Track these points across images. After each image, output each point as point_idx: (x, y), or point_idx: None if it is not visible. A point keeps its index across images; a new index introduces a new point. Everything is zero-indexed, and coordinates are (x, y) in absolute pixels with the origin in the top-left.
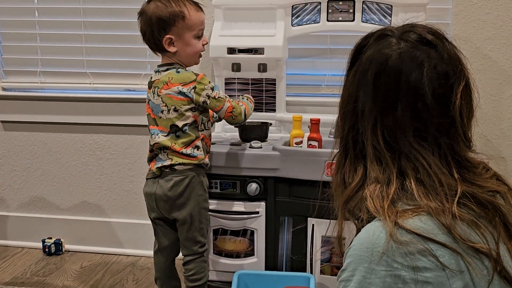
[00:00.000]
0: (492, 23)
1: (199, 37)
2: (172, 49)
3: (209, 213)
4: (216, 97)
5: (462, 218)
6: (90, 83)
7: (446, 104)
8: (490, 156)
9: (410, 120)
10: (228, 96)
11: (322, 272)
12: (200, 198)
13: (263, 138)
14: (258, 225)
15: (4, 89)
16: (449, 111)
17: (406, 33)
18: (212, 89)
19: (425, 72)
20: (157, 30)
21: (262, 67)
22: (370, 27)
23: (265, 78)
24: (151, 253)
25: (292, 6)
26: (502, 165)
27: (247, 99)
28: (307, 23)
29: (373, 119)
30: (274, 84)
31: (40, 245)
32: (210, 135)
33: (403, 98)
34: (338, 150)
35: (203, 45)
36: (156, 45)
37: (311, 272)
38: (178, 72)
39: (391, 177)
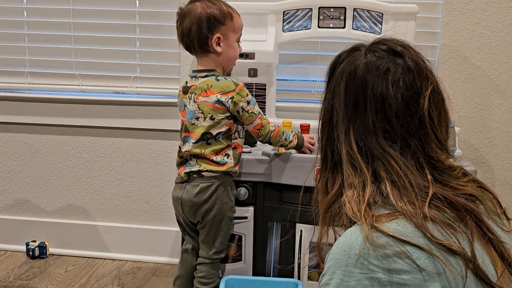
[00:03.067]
0: (480, 33)
1: (239, 42)
2: (218, 49)
3: None
4: (249, 112)
5: (433, 219)
6: (78, 85)
7: (413, 106)
8: (475, 163)
9: (379, 123)
10: (261, 113)
11: (309, 278)
12: (224, 206)
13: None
14: (246, 230)
15: None
16: (416, 113)
17: (375, 45)
18: (248, 102)
19: (390, 77)
20: (207, 28)
21: (253, 72)
22: (361, 34)
23: (255, 83)
24: (137, 257)
25: (284, 12)
26: (489, 173)
27: (293, 134)
28: (298, 29)
29: (346, 126)
30: (264, 89)
31: (24, 248)
32: (243, 143)
33: (371, 103)
34: (320, 162)
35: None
36: (200, 44)
37: (299, 278)
38: (218, 80)
39: (366, 181)
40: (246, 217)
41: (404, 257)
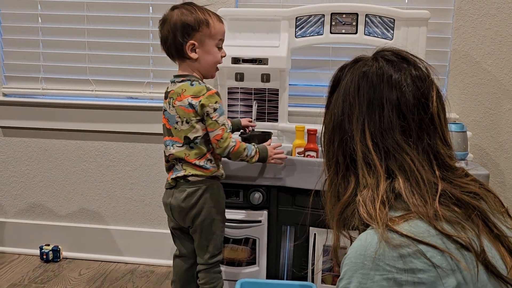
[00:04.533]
0: (491, 38)
1: (219, 48)
2: (193, 55)
3: None
4: (213, 119)
5: (444, 217)
6: (92, 90)
7: (425, 103)
8: (487, 168)
9: (396, 119)
10: (226, 126)
11: (323, 281)
12: (212, 210)
13: None
14: (260, 233)
15: (4, 94)
16: (428, 108)
17: (379, 52)
18: (215, 109)
19: (402, 77)
20: (181, 35)
21: (266, 77)
22: (373, 40)
23: (268, 88)
24: (150, 261)
25: (296, 18)
26: (500, 177)
27: (255, 150)
28: (311, 35)
29: (361, 124)
30: (277, 94)
31: (37, 252)
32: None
33: (388, 102)
34: (327, 173)
35: (222, 57)
36: (177, 51)
37: (313, 281)
38: (192, 84)
39: (379, 178)
40: (260, 221)
41: (420, 256)
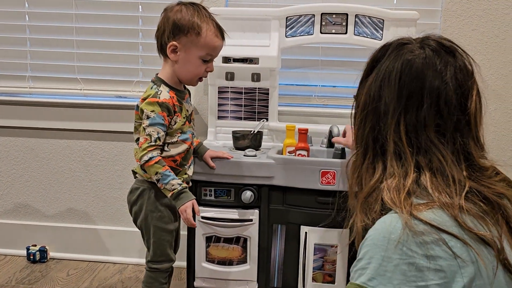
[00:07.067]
0: (478, 39)
1: (205, 61)
2: (173, 57)
3: (203, 220)
4: (143, 125)
5: (468, 212)
6: (80, 89)
7: (464, 103)
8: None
9: (433, 116)
10: (151, 137)
11: (314, 279)
12: (151, 214)
13: (257, 146)
14: (252, 232)
15: None
16: (467, 109)
17: (425, 40)
18: (148, 117)
19: (448, 74)
20: (168, 32)
21: (256, 77)
22: (362, 40)
23: (258, 88)
24: (139, 260)
25: (287, 18)
26: None
27: (179, 190)
28: (301, 34)
29: (397, 117)
30: (267, 93)
31: (24, 252)
32: (171, 156)
33: (428, 97)
34: (356, 151)
35: (207, 71)
36: (161, 46)
37: (303, 280)
38: (151, 88)
39: (408, 170)
40: (251, 220)
41: (442, 244)
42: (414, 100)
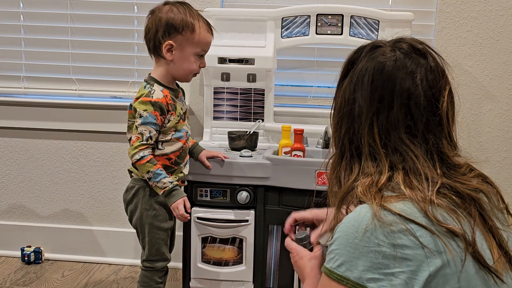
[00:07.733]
0: (472, 40)
1: (199, 56)
2: (169, 56)
3: (198, 221)
4: (136, 124)
5: (439, 205)
6: (75, 90)
7: (435, 104)
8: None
9: (403, 118)
10: (143, 136)
11: None
12: (146, 213)
13: (252, 147)
14: (247, 233)
15: None
16: (437, 110)
17: (398, 43)
18: (140, 116)
19: (418, 76)
20: (162, 32)
21: (252, 77)
22: (358, 41)
23: (254, 88)
24: (134, 261)
25: (282, 19)
26: None
27: (170, 188)
28: (297, 35)
29: (370, 119)
30: (263, 94)
31: (18, 253)
32: (165, 155)
33: (398, 99)
34: (334, 152)
35: (200, 67)
36: (154, 47)
37: (299, 280)
38: (145, 87)
39: (383, 170)
40: (247, 220)
41: (408, 234)
42: (386, 102)
